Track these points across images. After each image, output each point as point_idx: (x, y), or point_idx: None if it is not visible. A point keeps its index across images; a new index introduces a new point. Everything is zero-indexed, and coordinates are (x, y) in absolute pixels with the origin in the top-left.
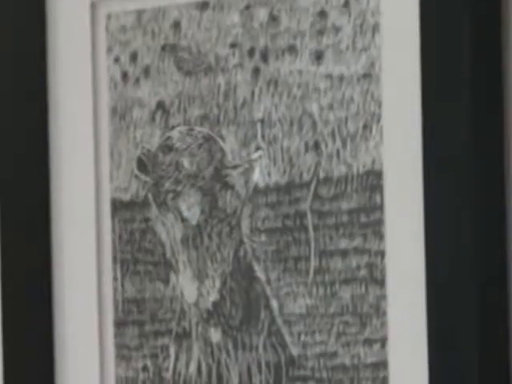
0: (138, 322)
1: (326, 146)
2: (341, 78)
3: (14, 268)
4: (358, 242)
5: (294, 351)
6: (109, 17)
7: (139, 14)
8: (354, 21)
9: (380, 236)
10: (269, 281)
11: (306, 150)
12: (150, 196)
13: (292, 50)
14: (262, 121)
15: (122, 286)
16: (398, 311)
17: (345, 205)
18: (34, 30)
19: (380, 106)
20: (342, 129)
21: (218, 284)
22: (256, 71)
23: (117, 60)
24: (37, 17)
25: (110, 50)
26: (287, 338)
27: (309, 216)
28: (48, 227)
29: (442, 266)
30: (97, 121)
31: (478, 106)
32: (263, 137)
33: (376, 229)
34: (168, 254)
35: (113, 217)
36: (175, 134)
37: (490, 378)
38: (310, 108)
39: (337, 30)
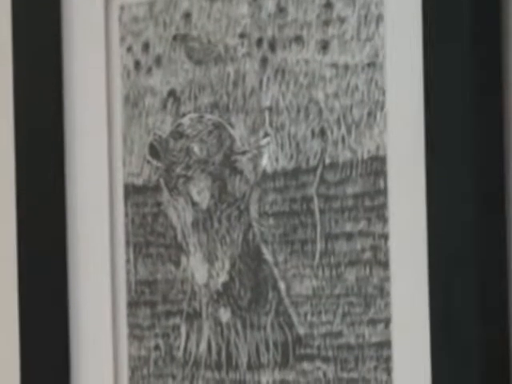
0: (150, 302)
1: (332, 132)
2: (346, 67)
3: (31, 252)
4: (362, 225)
5: (301, 331)
6: (122, 8)
7: (151, 5)
8: (359, 12)
9: (384, 219)
10: (276, 263)
11: (313, 137)
12: (161, 181)
13: (299, 40)
14: (270, 108)
15: (135, 268)
16: (401, 292)
17: (350, 189)
18: (50, 22)
19: (384, 93)
20: (347, 116)
21: (227, 266)
22: (264, 60)
23: (129, 50)
24: (52, 9)
25: (123, 40)
26: (294, 318)
27: (315, 200)
28: (63, 212)
29: (443, 247)
30: (110, 108)
31: (479, 92)
32: (271, 124)
33: (380, 212)
34: (179, 237)
35: (126, 201)
36: (186, 121)
37: (491, 356)
38: (316, 96)
39: (342, 20)
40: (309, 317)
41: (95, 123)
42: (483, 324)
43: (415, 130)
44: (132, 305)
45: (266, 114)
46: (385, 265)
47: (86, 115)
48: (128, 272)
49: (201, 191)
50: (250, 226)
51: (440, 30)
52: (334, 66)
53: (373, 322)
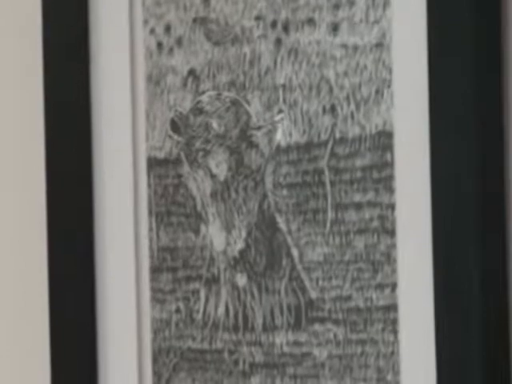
0: (172, 268)
1: (342, 108)
2: (355, 48)
3: (59, 221)
4: (370, 196)
5: (313, 295)
6: None
7: None
8: None
9: (391, 190)
10: (290, 231)
11: (324, 113)
12: (182, 154)
13: (311, 22)
14: (284, 86)
15: (157, 235)
16: (407, 259)
17: (359, 162)
18: (78, 8)
19: (390, 72)
20: (356, 93)
21: (243, 234)
22: (278, 41)
23: (152, 31)
24: None
25: (146, 22)
26: (306, 283)
27: (326, 172)
28: (90, 184)
29: (446, 216)
30: (134, 87)
31: (481, 70)
32: (285, 101)
33: (387, 184)
34: (198, 207)
35: (148, 173)
36: (205, 98)
37: (491, 318)
38: (327, 74)
39: (351, 3)
40: (320, 282)
41: (120, 101)
42: (484, 287)
43: (420, 106)
44: (155, 270)
45: (280, 91)
46: (391, 233)
47: (112, 93)
48: (151, 240)
49: (219, 164)
50: (265, 196)
51: (443, 12)
52: (344, 46)
53: (380, 287)
